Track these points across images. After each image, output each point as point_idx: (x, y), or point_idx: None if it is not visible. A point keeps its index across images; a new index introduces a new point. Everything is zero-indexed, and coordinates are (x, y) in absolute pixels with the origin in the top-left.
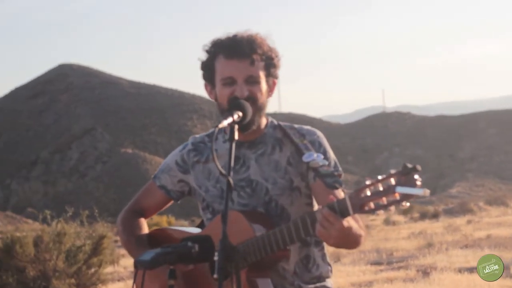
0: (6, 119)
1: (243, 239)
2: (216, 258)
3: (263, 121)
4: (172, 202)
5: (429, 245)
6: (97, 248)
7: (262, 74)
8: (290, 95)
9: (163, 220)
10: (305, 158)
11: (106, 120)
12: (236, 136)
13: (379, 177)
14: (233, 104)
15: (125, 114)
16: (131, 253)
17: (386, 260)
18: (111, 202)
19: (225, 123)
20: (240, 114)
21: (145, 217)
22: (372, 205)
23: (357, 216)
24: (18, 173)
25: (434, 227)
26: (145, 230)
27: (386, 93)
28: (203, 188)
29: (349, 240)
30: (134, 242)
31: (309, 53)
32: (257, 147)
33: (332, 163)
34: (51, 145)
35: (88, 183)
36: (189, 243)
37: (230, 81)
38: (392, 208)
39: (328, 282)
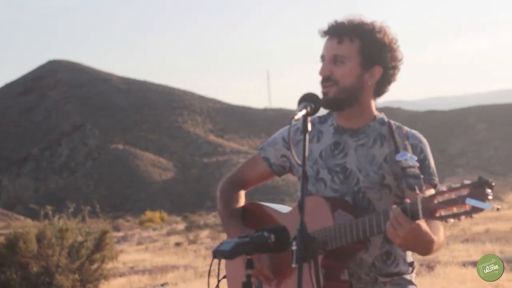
0: None
1: (322, 226)
2: (294, 247)
3: (369, 112)
4: (273, 176)
5: None
6: (99, 244)
7: (352, 56)
8: (280, 90)
9: (155, 216)
10: (398, 157)
11: (96, 117)
12: (309, 128)
13: (453, 186)
14: (306, 96)
15: (115, 110)
16: (223, 221)
17: None
18: (101, 199)
19: (300, 115)
20: (313, 106)
21: (245, 188)
22: (442, 212)
23: (439, 224)
24: (8, 170)
25: None
26: (242, 202)
27: None
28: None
29: (417, 244)
30: (229, 213)
31: (299, 48)
32: (358, 137)
33: (429, 171)
34: (41, 141)
35: (78, 180)
36: (265, 233)
37: (322, 60)
38: (462, 218)
39: (408, 276)
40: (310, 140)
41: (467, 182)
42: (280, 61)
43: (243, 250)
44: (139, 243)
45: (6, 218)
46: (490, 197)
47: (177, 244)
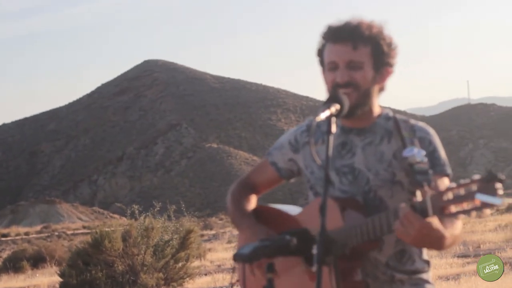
0: (93, 116)
1: (332, 227)
2: (314, 251)
3: (375, 110)
4: (281, 181)
5: None
6: (184, 243)
7: (367, 60)
8: None
9: None
10: (405, 153)
11: (191, 115)
12: (334, 130)
13: (462, 182)
14: (331, 97)
15: (209, 109)
16: (236, 222)
17: (473, 253)
18: (196, 197)
19: (323, 116)
20: (338, 107)
21: (256, 193)
22: (453, 208)
23: (454, 219)
24: (104, 169)
25: None
26: (253, 203)
27: (470, 85)
28: (309, 169)
29: (428, 241)
30: (241, 213)
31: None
32: (365, 135)
33: (440, 162)
34: (136, 140)
35: (173, 178)
36: (287, 236)
37: (332, 66)
38: (474, 213)
39: (424, 275)
40: (315, 143)
41: (476, 177)
42: None
43: (263, 254)
44: (229, 241)
45: (101, 217)
46: (500, 191)
47: None
